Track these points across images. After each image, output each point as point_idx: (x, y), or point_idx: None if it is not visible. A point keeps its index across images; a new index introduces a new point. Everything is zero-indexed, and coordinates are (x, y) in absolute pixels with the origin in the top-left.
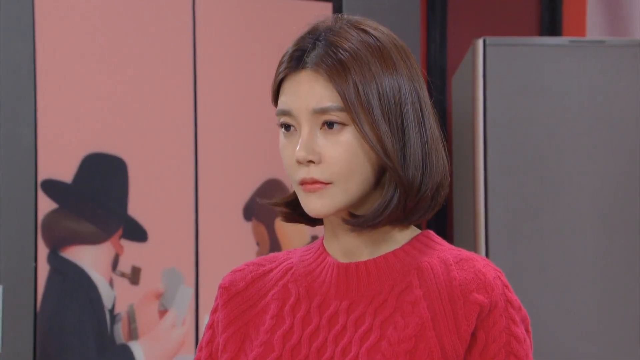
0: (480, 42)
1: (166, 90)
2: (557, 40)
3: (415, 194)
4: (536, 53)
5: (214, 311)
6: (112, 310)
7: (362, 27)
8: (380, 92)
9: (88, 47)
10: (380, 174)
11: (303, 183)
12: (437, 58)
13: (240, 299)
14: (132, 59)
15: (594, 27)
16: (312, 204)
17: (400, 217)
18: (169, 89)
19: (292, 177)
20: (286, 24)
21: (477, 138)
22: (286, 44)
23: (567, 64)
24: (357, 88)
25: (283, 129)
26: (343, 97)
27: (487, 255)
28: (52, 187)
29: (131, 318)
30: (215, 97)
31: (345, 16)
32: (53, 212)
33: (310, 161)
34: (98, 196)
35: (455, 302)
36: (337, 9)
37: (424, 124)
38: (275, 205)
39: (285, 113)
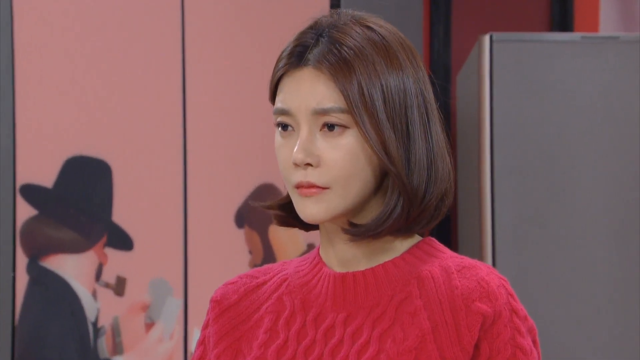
0: (486, 38)
1: (153, 90)
2: (568, 36)
3: (419, 202)
4: (546, 50)
5: (205, 326)
6: (95, 323)
7: (367, 23)
8: (385, 93)
9: (69, 45)
10: (381, 180)
11: (299, 187)
12: (441, 55)
13: (233, 313)
14: (117, 56)
15: (607, 22)
16: (307, 209)
17: (402, 227)
18: (156, 88)
19: (288, 179)
20: (281, 20)
21: (483, 139)
22: (281, 41)
23: (579, 61)
24: (362, 89)
25: (280, 128)
26: (347, 97)
27: (493, 262)
28: (32, 193)
29: (116, 331)
30: (205, 96)
31: (349, 11)
32: (32, 219)
33: (308, 164)
34: (80, 202)
35: (457, 312)
36: (335, 3)
37: (430, 129)
38: (268, 208)
39: (283, 112)
